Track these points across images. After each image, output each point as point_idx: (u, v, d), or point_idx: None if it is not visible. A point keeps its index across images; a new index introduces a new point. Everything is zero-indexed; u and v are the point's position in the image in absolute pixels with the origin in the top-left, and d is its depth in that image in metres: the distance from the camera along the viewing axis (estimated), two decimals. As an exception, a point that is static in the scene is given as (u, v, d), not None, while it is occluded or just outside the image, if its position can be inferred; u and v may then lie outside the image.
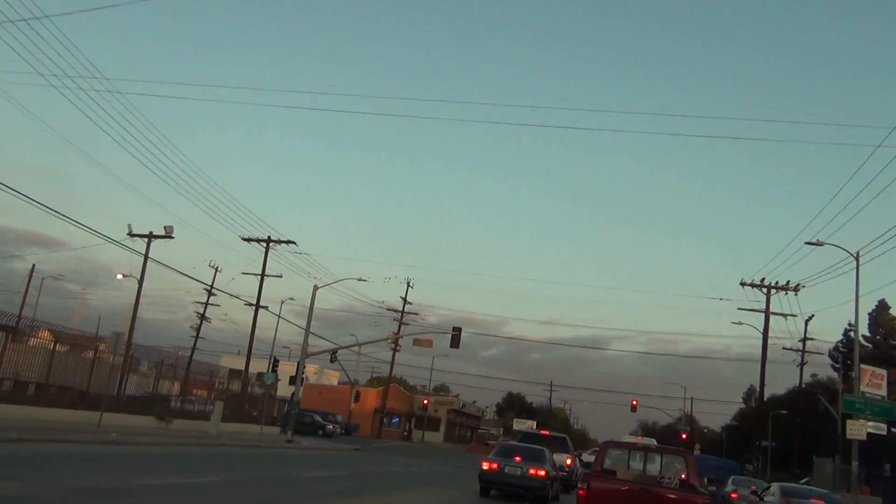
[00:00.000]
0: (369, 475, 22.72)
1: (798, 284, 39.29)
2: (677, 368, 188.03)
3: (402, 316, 74.79)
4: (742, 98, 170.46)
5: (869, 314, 70.98)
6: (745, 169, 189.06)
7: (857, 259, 25.44)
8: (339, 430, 58.34)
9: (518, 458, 18.87)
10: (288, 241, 48.12)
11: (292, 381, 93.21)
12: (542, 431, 29.52)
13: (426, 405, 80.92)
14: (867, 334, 71.06)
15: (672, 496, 12.59)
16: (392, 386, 79.55)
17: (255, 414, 45.40)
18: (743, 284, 40.46)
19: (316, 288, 45.51)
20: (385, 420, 79.25)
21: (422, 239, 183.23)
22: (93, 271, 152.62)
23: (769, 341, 41.86)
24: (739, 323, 41.35)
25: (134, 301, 43.83)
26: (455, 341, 43.36)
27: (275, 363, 51.45)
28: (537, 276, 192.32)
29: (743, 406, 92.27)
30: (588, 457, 43.57)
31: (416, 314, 75.02)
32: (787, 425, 60.61)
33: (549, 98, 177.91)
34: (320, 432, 54.61)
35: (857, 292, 25.09)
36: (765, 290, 40.50)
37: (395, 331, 71.86)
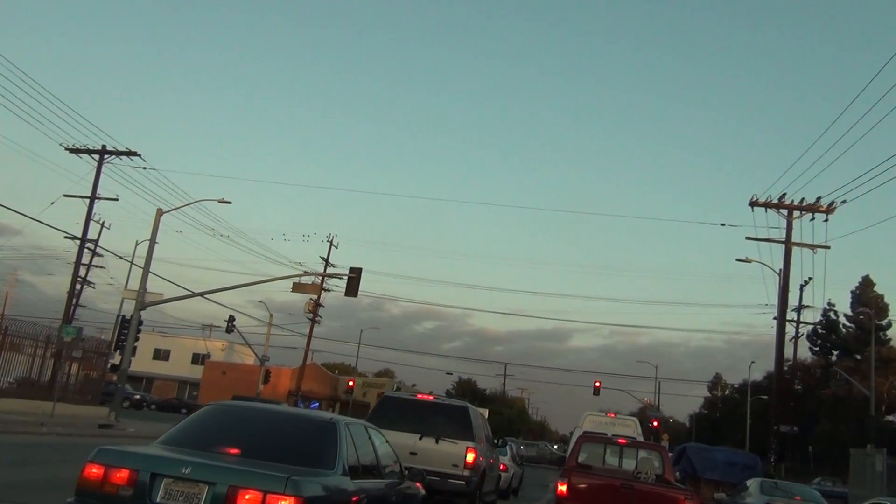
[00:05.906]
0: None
1: (832, 203, 27.58)
2: (643, 356, 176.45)
3: (322, 280, 63.98)
4: None
5: (852, 292, 66.09)
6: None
7: None
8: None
9: (231, 452, 5.60)
10: (129, 153, 35.10)
11: (196, 359, 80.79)
12: (420, 395, 14.83)
13: (351, 387, 68.58)
14: (849, 313, 65.24)
15: (655, 492, 11.59)
16: (310, 365, 67.57)
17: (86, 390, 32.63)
18: (754, 205, 28.57)
19: (160, 212, 32.76)
20: (301, 404, 67.12)
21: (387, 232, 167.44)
22: None
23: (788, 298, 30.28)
24: (747, 260, 29.50)
25: None
26: (352, 286, 31.10)
27: (123, 324, 38.51)
28: (502, 253, 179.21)
29: (708, 395, 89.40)
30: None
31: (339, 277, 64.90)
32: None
33: (524, 68, 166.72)
34: None
35: None
36: (784, 211, 28.76)
37: (317, 299, 61.47)
